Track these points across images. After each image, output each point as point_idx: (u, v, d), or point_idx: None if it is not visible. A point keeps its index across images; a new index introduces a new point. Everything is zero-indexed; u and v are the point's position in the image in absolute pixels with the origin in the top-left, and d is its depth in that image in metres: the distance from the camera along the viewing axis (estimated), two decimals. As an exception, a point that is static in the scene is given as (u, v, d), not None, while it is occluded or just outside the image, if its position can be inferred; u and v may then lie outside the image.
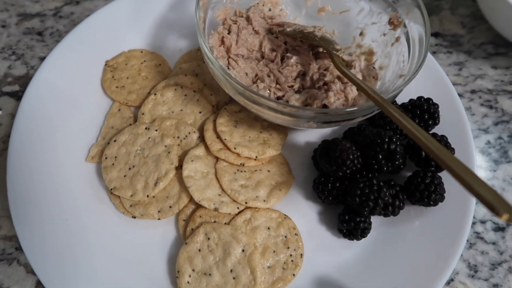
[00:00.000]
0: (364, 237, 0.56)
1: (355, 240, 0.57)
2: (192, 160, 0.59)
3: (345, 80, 0.61)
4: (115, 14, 0.73)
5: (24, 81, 0.72)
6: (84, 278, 0.54)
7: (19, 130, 0.61)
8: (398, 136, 0.58)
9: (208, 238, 0.55)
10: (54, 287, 0.52)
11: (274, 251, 0.56)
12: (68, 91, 0.67)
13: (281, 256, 0.56)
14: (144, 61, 0.72)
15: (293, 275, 0.55)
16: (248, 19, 0.67)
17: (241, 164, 0.60)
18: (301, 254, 0.57)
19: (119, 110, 0.68)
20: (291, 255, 0.56)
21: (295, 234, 0.57)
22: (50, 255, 0.54)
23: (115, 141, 0.62)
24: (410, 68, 0.57)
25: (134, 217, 0.58)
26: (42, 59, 0.76)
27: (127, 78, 0.70)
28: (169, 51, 0.75)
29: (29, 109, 0.63)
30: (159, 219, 0.58)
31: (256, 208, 0.58)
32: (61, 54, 0.69)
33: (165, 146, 0.61)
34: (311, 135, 0.67)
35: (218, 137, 0.61)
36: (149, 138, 0.61)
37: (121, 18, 0.74)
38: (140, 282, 0.55)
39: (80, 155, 0.63)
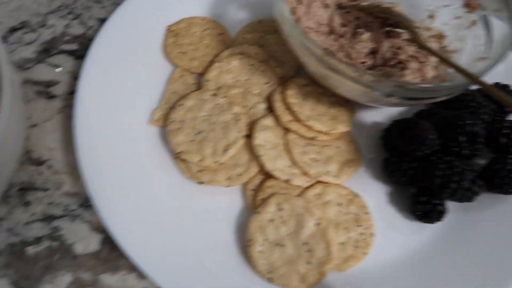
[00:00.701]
0: (439, 220, 0.54)
1: (427, 224, 0.54)
2: (262, 130, 0.56)
3: (421, 59, 0.59)
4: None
5: (82, 40, 0.70)
6: (154, 236, 0.54)
7: (84, 90, 0.61)
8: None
9: (280, 209, 0.52)
10: (125, 242, 0.51)
11: (345, 228, 0.53)
12: (129, 54, 0.66)
13: (352, 234, 0.54)
14: (206, 29, 0.70)
15: (364, 253, 0.53)
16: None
17: (311, 137, 0.57)
18: (372, 234, 0.54)
19: (181, 76, 0.65)
20: (362, 234, 0.54)
21: (365, 213, 0.55)
22: (121, 212, 0.54)
23: (181, 105, 0.59)
24: (491, 50, 0.55)
25: (201, 183, 0.55)
26: (100, 20, 0.73)
27: (190, 44, 0.68)
28: (229, 21, 0.73)
29: (92, 70, 0.63)
30: (228, 186, 0.54)
31: (327, 183, 0.55)
32: (122, 17, 0.68)
33: (233, 113, 0.59)
34: (378, 115, 0.64)
35: (288, 109, 0.59)
36: (216, 104, 0.59)
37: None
38: (207, 246, 0.55)
39: (142, 118, 0.60)
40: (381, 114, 0.66)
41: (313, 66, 0.55)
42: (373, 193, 0.59)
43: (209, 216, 0.57)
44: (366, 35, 0.64)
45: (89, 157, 0.56)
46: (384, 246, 0.56)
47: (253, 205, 0.55)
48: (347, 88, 0.55)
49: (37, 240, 0.54)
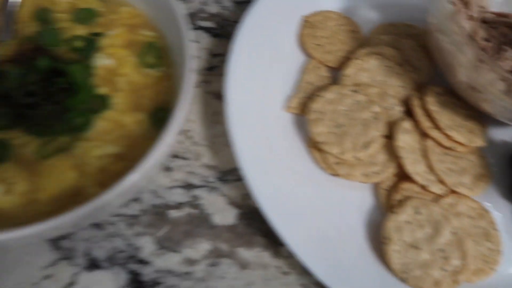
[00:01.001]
0: None
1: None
2: (403, 132, 0.57)
3: None
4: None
5: (218, 19, 0.73)
6: (291, 215, 0.56)
7: (233, 71, 0.64)
8: None
9: (417, 213, 0.54)
10: (271, 211, 0.53)
11: (474, 241, 0.54)
12: (267, 41, 0.68)
13: (481, 248, 0.54)
14: (341, 24, 0.71)
15: (492, 269, 0.54)
16: (466, 4, 0.64)
17: (449, 147, 0.58)
18: (500, 251, 0.55)
19: (316, 67, 0.67)
20: (490, 249, 0.55)
21: (494, 229, 0.56)
22: (264, 187, 0.57)
23: (321, 97, 0.61)
24: None
25: (336, 175, 0.57)
26: (234, 2, 0.75)
27: (325, 37, 0.69)
28: (360, 19, 0.73)
29: (239, 52, 0.65)
30: (362, 182, 0.56)
31: (460, 194, 0.56)
32: (264, 3, 0.69)
33: (373, 112, 0.60)
34: (508, 133, 0.64)
35: (427, 115, 0.59)
36: (356, 101, 0.61)
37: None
38: (337, 235, 0.57)
39: (277, 103, 0.62)
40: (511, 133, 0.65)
41: (465, 75, 0.55)
42: (500, 211, 0.59)
43: (338, 207, 0.59)
44: (510, 53, 0.64)
45: (239, 133, 0.58)
46: (510, 266, 0.57)
47: (386, 204, 0.57)
48: (498, 103, 0.55)
49: (178, 205, 0.57)
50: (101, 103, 0.51)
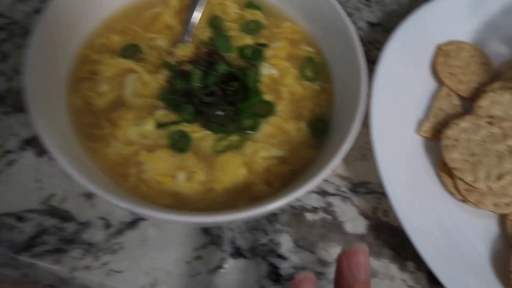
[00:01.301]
0: None
1: None
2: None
3: None
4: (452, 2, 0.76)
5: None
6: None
7: (375, 92, 0.67)
8: None
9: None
10: (409, 227, 0.56)
11: None
12: (404, 67, 0.71)
13: None
14: (473, 55, 0.74)
15: None
16: None
17: None
18: None
19: (448, 95, 0.69)
20: None
21: None
22: (403, 203, 0.59)
23: (456, 124, 0.63)
24: None
25: (465, 201, 0.59)
26: (369, 23, 0.79)
27: (458, 67, 0.72)
28: (491, 52, 0.75)
29: (383, 72, 0.69)
30: (491, 211, 0.58)
31: None
32: (407, 29, 0.73)
33: (508, 145, 0.62)
34: None
35: None
36: (491, 132, 0.63)
37: (458, 8, 0.78)
38: (463, 260, 0.59)
39: (410, 126, 0.65)
40: None
41: None
42: None
43: (463, 231, 0.62)
44: None
45: (381, 150, 0.61)
46: None
47: (513, 236, 0.58)
48: None
49: (314, 210, 0.61)
50: (268, 109, 0.56)
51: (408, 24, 0.72)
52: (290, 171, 0.52)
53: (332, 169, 0.46)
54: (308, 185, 0.44)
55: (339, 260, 0.41)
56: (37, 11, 0.71)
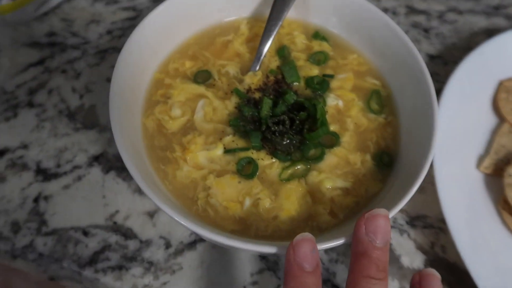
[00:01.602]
0: None
1: None
2: None
3: None
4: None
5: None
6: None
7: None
8: None
9: None
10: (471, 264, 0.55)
11: None
12: (465, 101, 0.71)
13: None
14: (535, 93, 0.71)
15: None
16: None
17: None
18: None
19: (510, 132, 0.68)
20: None
21: None
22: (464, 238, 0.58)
23: (520, 163, 0.62)
24: None
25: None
26: (428, 55, 0.78)
27: (520, 103, 0.69)
28: None
29: (446, 103, 0.68)
30: None
31: None
32: (464, 65, 0.72)
33: None
34: None
35: None
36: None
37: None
38: None
39: (469, 162, 0.64)
40: None
41: None
42: None
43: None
44: None
45: (442, 180, 0.61)
46: None
47: None
48: None
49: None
50: (333, 139, 0.56)
51: (470, 58, 0.72)
52: (355, 203, 0.52)
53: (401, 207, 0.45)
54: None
55: (357, 225, 0.39)
56: (109, 32, 0.75)
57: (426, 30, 0.83)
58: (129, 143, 0.49)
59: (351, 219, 0.51)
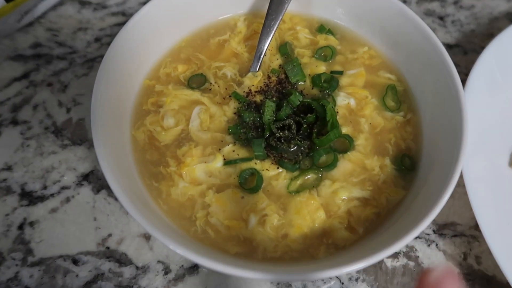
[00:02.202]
0: None
1: None
2: None
3: None
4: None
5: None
6: None
7: None
8: None
9: None
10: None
11: None
12: (489, 92, 0.63)
13: None
14: None
15: None
16: None
17: None
18: None
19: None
20: None
21: None
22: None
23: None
24: None
25: None
26: (445, 45, 0.70)
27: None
28: None
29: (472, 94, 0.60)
30: None
31: None
32: (487, 53, 0.64)
33: None
34: None
35: None
36: None
37: None
38: None
39: (499, 160, 0.60)
40: None
41: None
42: None
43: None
44: None
45: (473, 182, 0.54)
46: None
47: None
48: None
49: (394, 254, 0.55)
50: (347, 143, 0.50)
51: (493, 46, 0.65)
52: (375, 215, 0.47)
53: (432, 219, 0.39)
54: (405, 239, 0.38)
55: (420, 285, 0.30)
56: (98, 39, 0.69)
57: (441, 18, 0.76)
58: (115, 159, 0.44)
59: (372, 234, 0.46)
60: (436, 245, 0.55)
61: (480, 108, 0.60)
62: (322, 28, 0.59)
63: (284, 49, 0.57)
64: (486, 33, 0.72)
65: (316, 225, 0.46)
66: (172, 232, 0.41)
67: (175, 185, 0.47)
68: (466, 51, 0.71)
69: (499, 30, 0.65)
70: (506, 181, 0.57)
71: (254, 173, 0.48)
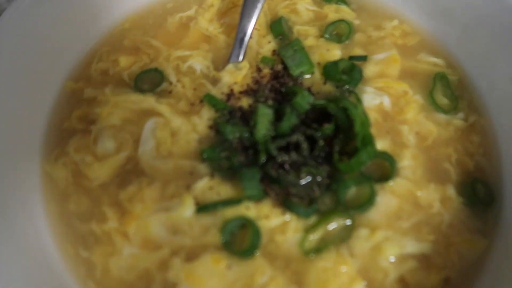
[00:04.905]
0: None
1: None
2: None
3: None
4: None
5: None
6: None
7: None
8: None
9: None
10: None
11: None
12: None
13: None
14: None
15: None
16: None
17: None
18: None
19: None
20: None
21: None
22: None
23: None
24: None
25: None
26: None
27: None
28: None
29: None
30: None
31: None
32: None
33: None
34: None
35: None
36: None
37: None
38: None
39: None
40: None
41: None
42: None
43: None
44: None
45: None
46: None
47: None
48: None
49: None
50: (387, 166, 0.35)
51: None
52: (443, 282, 0.32)
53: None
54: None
55: None
56: None
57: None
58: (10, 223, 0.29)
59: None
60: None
61: None
62: (331, -5, 0.42)
63: (278, 27, 0.41)
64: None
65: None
66: None
67: (116, 252, 0.32)
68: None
69: None
70: None
71: (246, 224, 0.31)
